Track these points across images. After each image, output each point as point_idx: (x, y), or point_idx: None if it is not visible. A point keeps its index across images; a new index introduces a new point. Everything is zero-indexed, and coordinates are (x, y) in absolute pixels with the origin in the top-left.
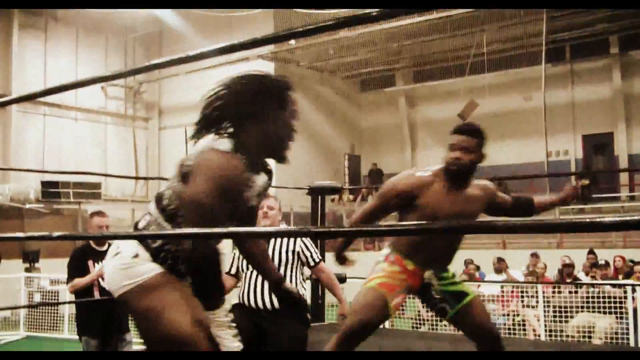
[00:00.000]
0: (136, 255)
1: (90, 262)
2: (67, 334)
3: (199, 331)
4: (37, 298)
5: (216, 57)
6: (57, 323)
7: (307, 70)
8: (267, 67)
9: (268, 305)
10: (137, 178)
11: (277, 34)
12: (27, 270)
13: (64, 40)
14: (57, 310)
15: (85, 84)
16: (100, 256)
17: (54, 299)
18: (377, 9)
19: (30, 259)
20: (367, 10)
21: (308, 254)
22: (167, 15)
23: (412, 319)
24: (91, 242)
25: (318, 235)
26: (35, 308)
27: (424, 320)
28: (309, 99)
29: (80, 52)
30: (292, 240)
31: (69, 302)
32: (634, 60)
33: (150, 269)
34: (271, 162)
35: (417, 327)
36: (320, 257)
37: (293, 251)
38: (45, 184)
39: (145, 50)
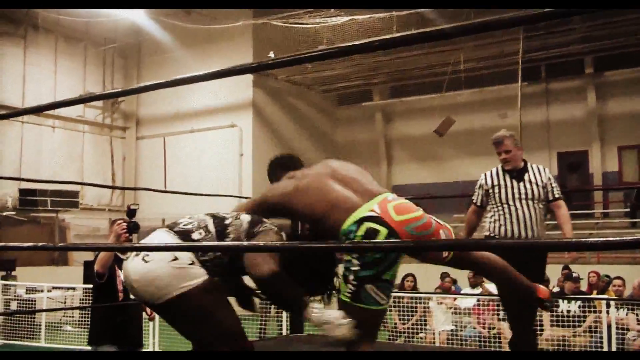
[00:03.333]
0: (192, 262)
1: (116, 268)
2: (43, 343)
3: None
4: (14, 306)
5: (197, 82)
6: (33, 331)
7: (284, 84)
8: (246, 79)
9: None
10: (115, 188)
11: (261, 63)
12: (4, 278)
13: (43, 49)
14: (33, 318)
15: (84, 101)
16: (122, 263)
17: (31, 307)
18: (378, 39)
19: (7, 267)
20: (367, 40)
21: (552, 187)
22: (147, 26)
23: (388, 331)
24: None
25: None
26: (11, 316)
27: (400, 332)
28: (285, 113)
29: (59, 61)
30: (539, 175)
31: (45, 310)
32: (609, 81)
33: (202, 273)
34: (249, 174)
35: (393, 340)
36: (561, 194)
37: (542, 184)
38: (22, 192)
39: (124, 60)
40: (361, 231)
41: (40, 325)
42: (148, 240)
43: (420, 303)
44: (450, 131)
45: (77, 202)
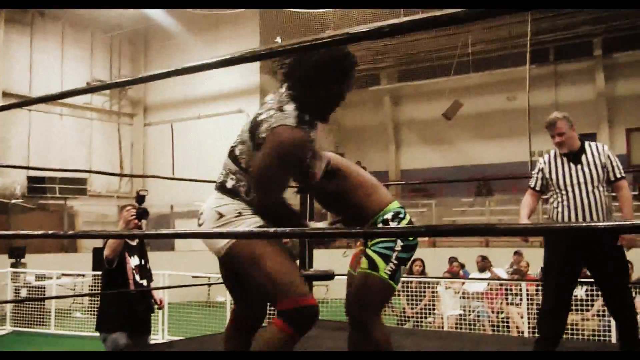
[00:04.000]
0: (239, 214)
1: (126, 254)
2: (53, 329)
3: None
4: (24, 293)
5: (205, 70)
6: (43, 318)
7: None
8: (252, 65)
9: None
10: (122, 175)
11: (268, 49)
12: (14, 265)
13: (50, 36)
14: (43, 305)
15: (92, 90)
16: (133, 250)
17: (41, 294)
18: (386, 24)
19: (17, 254)
20: (374, 26)
21: (613, 167)
22: (154, 12)
23: (397, 316)
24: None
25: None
26: (21, 303)
27: (408, 317)
28: None
29: (66, 48)
30: (598, 155)
31: (55, 297)
32: (617, 63)
33: (249, 223)
34: None
35: (402, 324)
36: (622, 173)
37: (602, 165)
38: (31, 179)
39: (131, 47)
40: (407, 218)
41: (50, 312)
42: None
43: (428, 288)
44: (459, 114)
45: (85, 189)
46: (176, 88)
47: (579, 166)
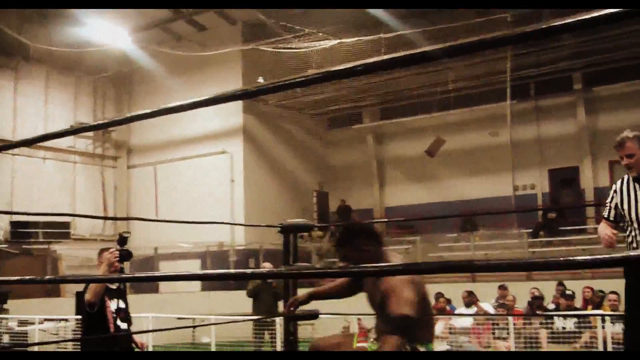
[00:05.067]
0: None
1: (106, 298)
2: None
3: None
4: (6, 339)
5: (186, 110)
6: None
7: (275, 108)
8: (236, 104)
9: None
10: (106, 218)
11: (248, 89)
12: None
13: (35, 80)
14: (26, 351)
15: (75, 132)
16: (112, 293)
17: (23, 340)
18: (365, 62)
19: None
20: (354, 64)
21: None
22: (137, 54)
23: None
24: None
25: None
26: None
27: None
28: (277, 137)
29: (50, 91)
30: None
31: (37, 344)
32: (598, 96)
33: None
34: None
35: None
36: None
37: None
38: (14, 224)
39: (116, 89)
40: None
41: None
42: None
43: None
44: (443, 151)
45: (69, 233)
46: (159, 130)
47: None
